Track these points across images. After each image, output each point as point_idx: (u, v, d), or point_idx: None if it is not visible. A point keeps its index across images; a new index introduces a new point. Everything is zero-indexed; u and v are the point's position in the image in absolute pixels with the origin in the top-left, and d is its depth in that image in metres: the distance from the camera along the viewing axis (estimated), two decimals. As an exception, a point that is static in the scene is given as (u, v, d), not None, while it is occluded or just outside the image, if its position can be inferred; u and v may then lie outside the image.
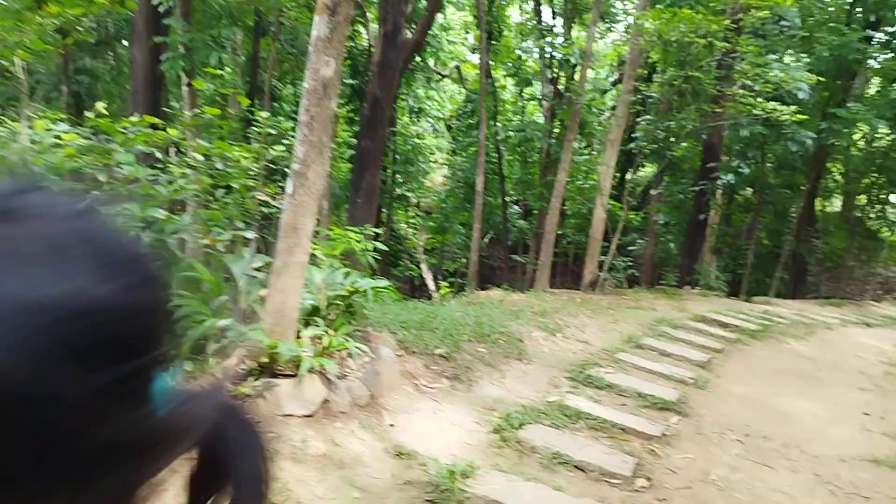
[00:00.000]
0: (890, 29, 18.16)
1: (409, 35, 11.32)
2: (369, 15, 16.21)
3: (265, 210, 5.72)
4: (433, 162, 27.86)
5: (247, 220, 5.50)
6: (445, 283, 18.43)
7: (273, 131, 6.02)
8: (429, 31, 13.10)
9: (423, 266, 27.09)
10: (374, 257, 9.02)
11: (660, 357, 8.00)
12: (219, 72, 6.03)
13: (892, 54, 18.39)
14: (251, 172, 5.32)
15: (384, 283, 5.82)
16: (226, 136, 5.91)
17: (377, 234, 9.50)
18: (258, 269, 5.37)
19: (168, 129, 5.43)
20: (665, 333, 9.18)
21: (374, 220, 11.98)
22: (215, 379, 4.49)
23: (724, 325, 10.52)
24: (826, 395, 7.40)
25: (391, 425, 4.69)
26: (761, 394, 7.17)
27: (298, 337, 5.03)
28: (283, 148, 5.86)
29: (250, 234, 4.98)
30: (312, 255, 6.02)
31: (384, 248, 9.06)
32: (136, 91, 11.36)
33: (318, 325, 5.24)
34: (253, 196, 5.47)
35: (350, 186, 11.69)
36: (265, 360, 4.62)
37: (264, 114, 6.00)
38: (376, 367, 5.06)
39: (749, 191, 20.00)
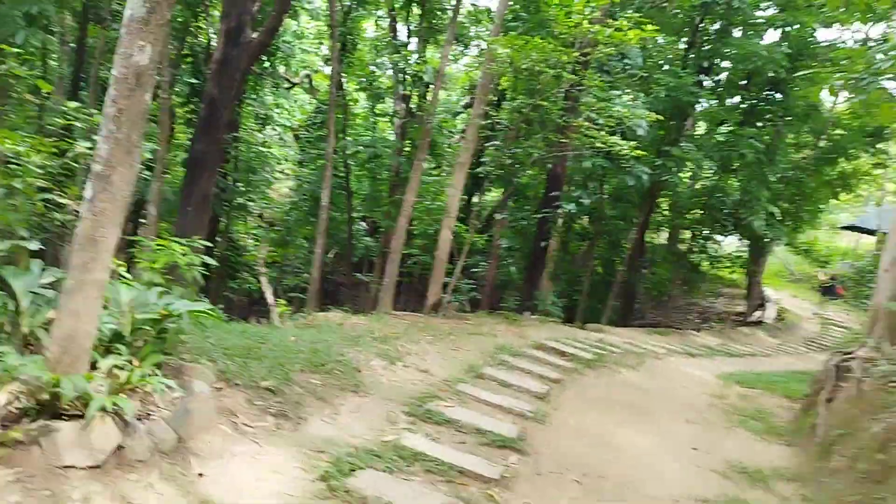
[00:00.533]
0: (717, 77, 19.61)
1: (254, 35, 10.59)
2: (215, 13, 15.22)
3: (61, 217, 4.83)
4: (279, 172, 26.84)
5: (39, 226, 4.65)
6: (284, 301, 17.53)
7: (81, 125, 5.18)
8: (277, 34, 12.39)
9: (263, 280, 25.86)
10: (201, 272, 8.22)
11: (500, 388, 7.80)
12: (12, 50, 5.01)
13: (717, 100, 19.86)
14: (41, 171, 4.46)
15: (203, 305, 5.13)
16: (20, 126, 4.97)
17: (209, 247, 8.70)
18: (49, 286, 4.54)
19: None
20: (505, 362, 9.03)
21: (206, 230, 11.05)
22: (-25, 422, 3.66)
23: (562, 354, 10.59)
24: (657, 428, 7.49)
25: (200, 475, 4.04)
26: (598, 427, 7.12)
27: (95, 368, 4.28)
28: (89, 144, 5.04)
29: (34, 245, 4.12)
30: (123, 273, 5.23)
31: (213, 262, 8.26)
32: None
33: (120, 354, 4.49)
34: (44, 199, 4.60)
35: (181, 193, 10.72)
36: (46, 397, 3.83)
37: (72, 104, 5.13)
38: (187, 404, 4.39)
39: (585, 220, 20.77)
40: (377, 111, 21.87)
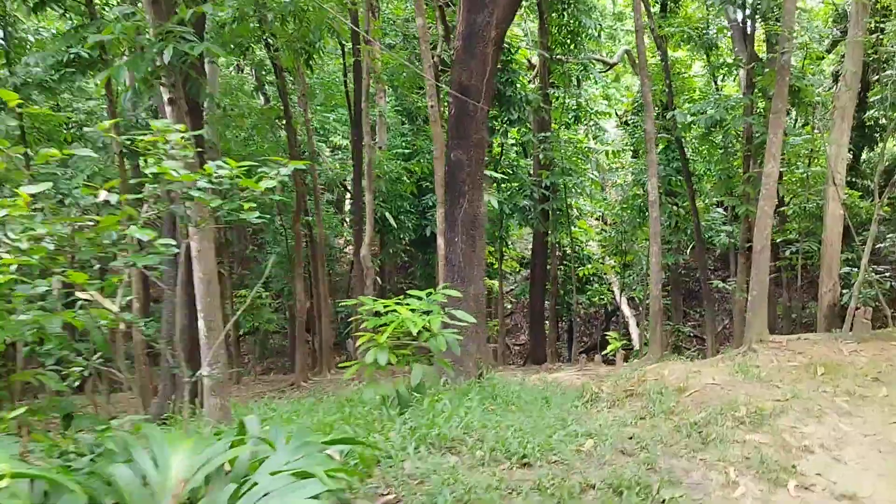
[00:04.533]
0: None
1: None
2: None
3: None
4: (617, 167, 23.77)
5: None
6: (614, 336, 14.26)
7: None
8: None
9: (616, 289, 22.90)
10: (454, 335, 5.62)
11: None
12: None
13: None
14: None
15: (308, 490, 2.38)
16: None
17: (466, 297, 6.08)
18: None
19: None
20: None
21: (483, 263, 8.46)
22: None
23: None
24: None
25: None
26: None
27: None
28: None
29: None
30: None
31: (470, 319, 5.56)
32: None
33: None
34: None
35: (444, 220, 8.25)
36: None
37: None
38: None
39: None
40: (713, 62, 17.31)
